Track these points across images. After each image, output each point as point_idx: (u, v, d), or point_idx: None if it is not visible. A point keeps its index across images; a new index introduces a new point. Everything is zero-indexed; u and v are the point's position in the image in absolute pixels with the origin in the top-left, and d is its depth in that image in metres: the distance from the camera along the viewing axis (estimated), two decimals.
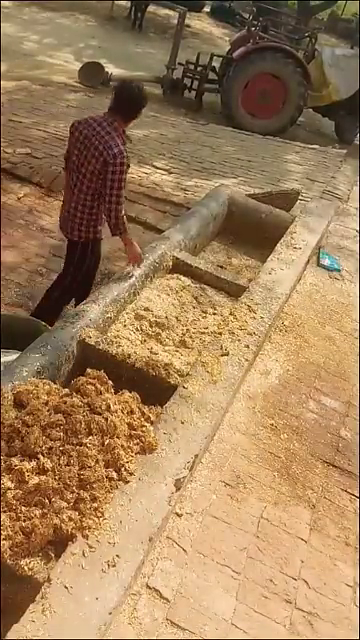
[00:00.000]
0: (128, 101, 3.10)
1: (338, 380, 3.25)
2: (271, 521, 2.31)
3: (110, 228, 3.26)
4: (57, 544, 1.84)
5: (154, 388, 2.59)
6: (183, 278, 3.71)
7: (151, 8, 15.03)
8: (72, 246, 3.49)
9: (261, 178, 6.71)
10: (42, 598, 1.66)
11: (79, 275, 3.55)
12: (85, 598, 1.68)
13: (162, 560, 2.03)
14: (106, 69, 9.79)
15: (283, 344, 3.39)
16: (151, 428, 2.27)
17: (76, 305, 3.47)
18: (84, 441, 2.06)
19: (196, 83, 10.01)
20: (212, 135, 8.16)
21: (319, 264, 4.45)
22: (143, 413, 2.35)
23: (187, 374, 2.65)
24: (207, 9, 19.84)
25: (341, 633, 2.00)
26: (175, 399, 2.48)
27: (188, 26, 14.64)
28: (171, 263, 3.74)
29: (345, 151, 8.70)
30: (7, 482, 1.91)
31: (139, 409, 2.36)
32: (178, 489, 2.14)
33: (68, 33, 12.69)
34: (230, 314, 3.21)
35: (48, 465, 1.97)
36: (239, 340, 2.98)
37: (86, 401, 2.21)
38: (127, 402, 2.33)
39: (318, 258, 4.50)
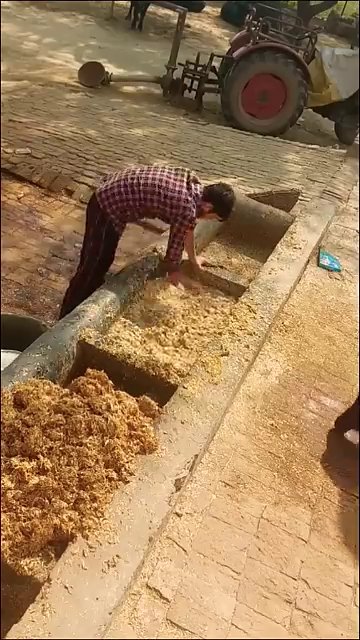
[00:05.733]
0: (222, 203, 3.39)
1: (338, 380, 3.25)
2: (271, 521, 2.31)
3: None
4: (57, 544, 1.84)
5: (154, 388, 2.59)
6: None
7: (151, 8, 15.00)
8: (93, 209, 3.38)
9: (261, 178, 6.70)
10: (42, 598, 1.67)
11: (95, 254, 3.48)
12: (85, 598, 1.69)
13: (162, 560, 2.03)
14: (106, 69, 9.78)
15: (283, 344, 3.39)
16: (151, 428, 2.27)
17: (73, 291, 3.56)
18: (84, 441, 2.06)
19: (196, 83, 10.00)
20: (212, 135, 8.15)
21: (319, 264, 4.45)
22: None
23: (187, 374, 2.65)
24: (207, 8, 18.88)
25: (341, 633, 2.00)
26: (175, 399, 2.48)
27: (188, 26, 14.62)
28: None
29: (345, 151, 8.69)
30: (7, 482, 1.91)
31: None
32: (178, 489, 2.14)
33: (68, 33, 12.68)
34: (230, 314, 3.21)
35: (48, 465, 1.97)
36: (239, 340, 2.98)
37: (86, 401, 2.21)
38: None
39: (318, 258, 4.51)
